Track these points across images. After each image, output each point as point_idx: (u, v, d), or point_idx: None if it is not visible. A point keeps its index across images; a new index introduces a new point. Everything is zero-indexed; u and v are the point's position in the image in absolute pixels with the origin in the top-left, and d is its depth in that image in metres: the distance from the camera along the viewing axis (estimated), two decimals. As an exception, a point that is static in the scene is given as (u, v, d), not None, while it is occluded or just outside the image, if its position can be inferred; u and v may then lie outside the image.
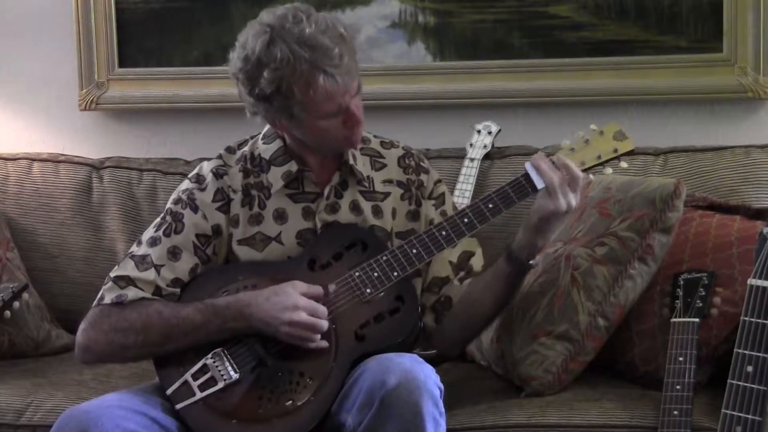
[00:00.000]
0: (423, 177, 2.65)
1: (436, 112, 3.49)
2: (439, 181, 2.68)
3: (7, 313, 2.90)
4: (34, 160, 3.51)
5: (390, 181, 2.62)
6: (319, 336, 2.39)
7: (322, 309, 2.40)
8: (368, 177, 2.60)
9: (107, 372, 2.96)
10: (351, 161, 2.57)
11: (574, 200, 2.44)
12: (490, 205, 2.48)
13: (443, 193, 2.67)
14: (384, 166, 2.63)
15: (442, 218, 2.56)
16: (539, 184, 2.45)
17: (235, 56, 2.46)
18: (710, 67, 3.32)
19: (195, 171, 2.60)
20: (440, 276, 2.60)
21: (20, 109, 3.70)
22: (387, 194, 2.61)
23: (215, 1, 3.57)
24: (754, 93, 3.30)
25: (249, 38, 2.43)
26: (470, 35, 3.46)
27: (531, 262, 2.52)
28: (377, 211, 2.59)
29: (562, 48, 3.40)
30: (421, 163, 2.67)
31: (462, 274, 2.61)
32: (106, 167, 3.48)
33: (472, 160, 3.25)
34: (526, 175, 2.47)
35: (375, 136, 2.67)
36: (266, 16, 2.44)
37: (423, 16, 3.48)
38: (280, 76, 2.38)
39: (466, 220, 2.47)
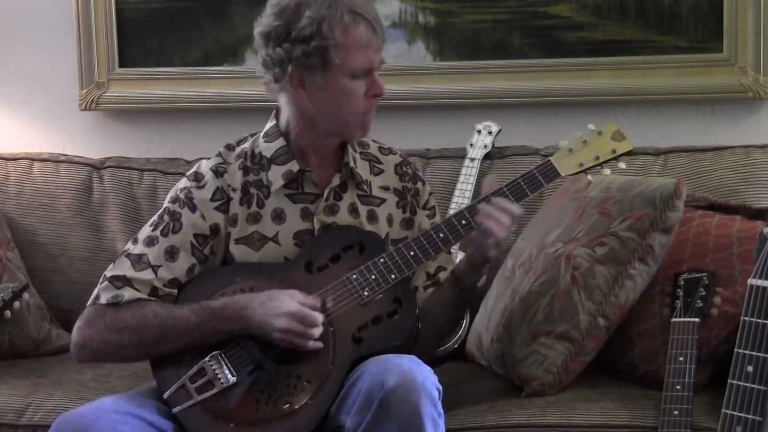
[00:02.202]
0: (419, 186, 2.64)
1: (436, 112, 3.49)
2: (432, 193, 2.67)
3: (7, 313, 2.90)
4: (34, 160, 3.51)
5: (386, 188, 2.61)
6: (311, 342, 2.38)
7: (313, 316, 2.38)
8: (367, 181, 2.59)
9: (107, 372, 2.96)
10: (351, 163, 2.56)
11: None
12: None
13: (435, 206, 2.66)
14: (381, 171, 2.62)
15: None
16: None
17: (266, 16, 2.45)
18: (710, 67, 3.33)
19: (193, 169, 2.57)
20: (415, 285, 2.59)
21: (20, 109, 3.70)
22: (383, 200, 2.59)
23: (215, 1, 3.57)
24: (754, 93, 3.29)
25: None
26: (470, 35, 3.45)
27: (479, 284, 2.53)
28: (372, 217, 2.57)
29: (562, 48, 3.40)
30: (417, 172, 2.67)
31: (429, 283, 2.60)
32: (106, 167, 3.48)
33: (472, 160, 3.25)
34: (547, 164, 2.48)
35: (374, 141, 2.65)
36: None
37: (423, 16, 3.48)
38: (322, 15, 2.39)
39: (463, 221, 2.46)
